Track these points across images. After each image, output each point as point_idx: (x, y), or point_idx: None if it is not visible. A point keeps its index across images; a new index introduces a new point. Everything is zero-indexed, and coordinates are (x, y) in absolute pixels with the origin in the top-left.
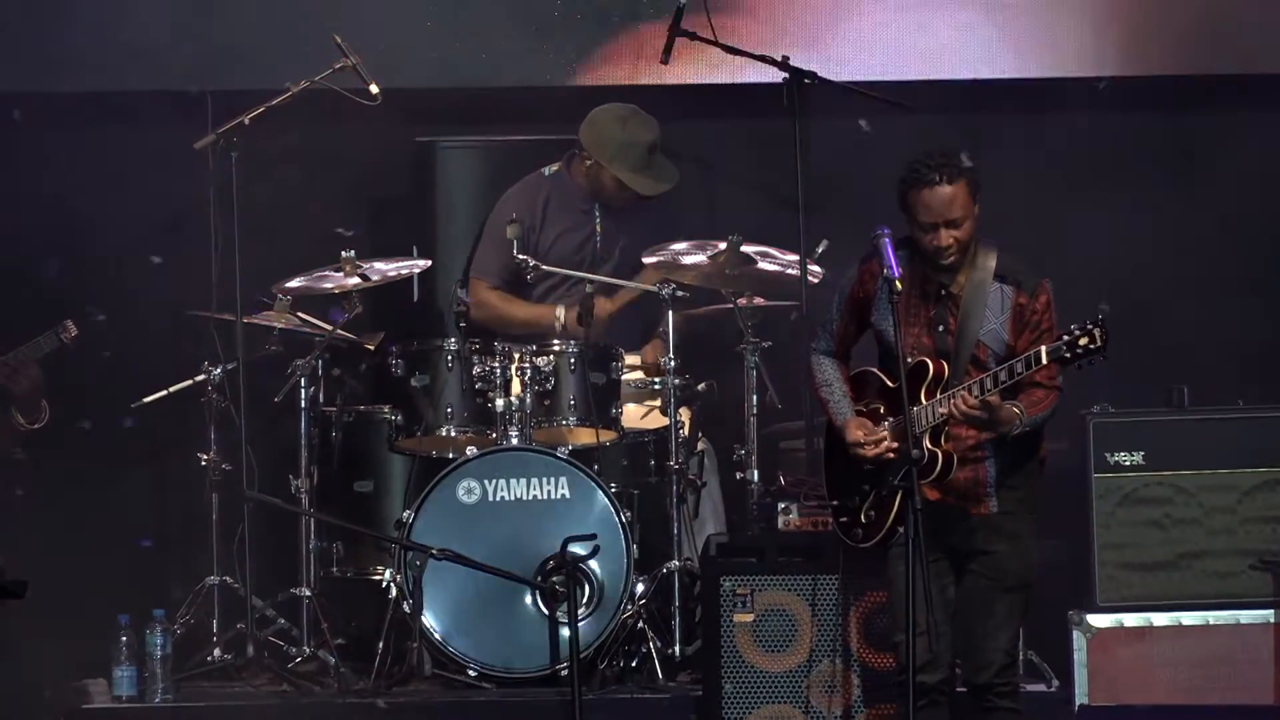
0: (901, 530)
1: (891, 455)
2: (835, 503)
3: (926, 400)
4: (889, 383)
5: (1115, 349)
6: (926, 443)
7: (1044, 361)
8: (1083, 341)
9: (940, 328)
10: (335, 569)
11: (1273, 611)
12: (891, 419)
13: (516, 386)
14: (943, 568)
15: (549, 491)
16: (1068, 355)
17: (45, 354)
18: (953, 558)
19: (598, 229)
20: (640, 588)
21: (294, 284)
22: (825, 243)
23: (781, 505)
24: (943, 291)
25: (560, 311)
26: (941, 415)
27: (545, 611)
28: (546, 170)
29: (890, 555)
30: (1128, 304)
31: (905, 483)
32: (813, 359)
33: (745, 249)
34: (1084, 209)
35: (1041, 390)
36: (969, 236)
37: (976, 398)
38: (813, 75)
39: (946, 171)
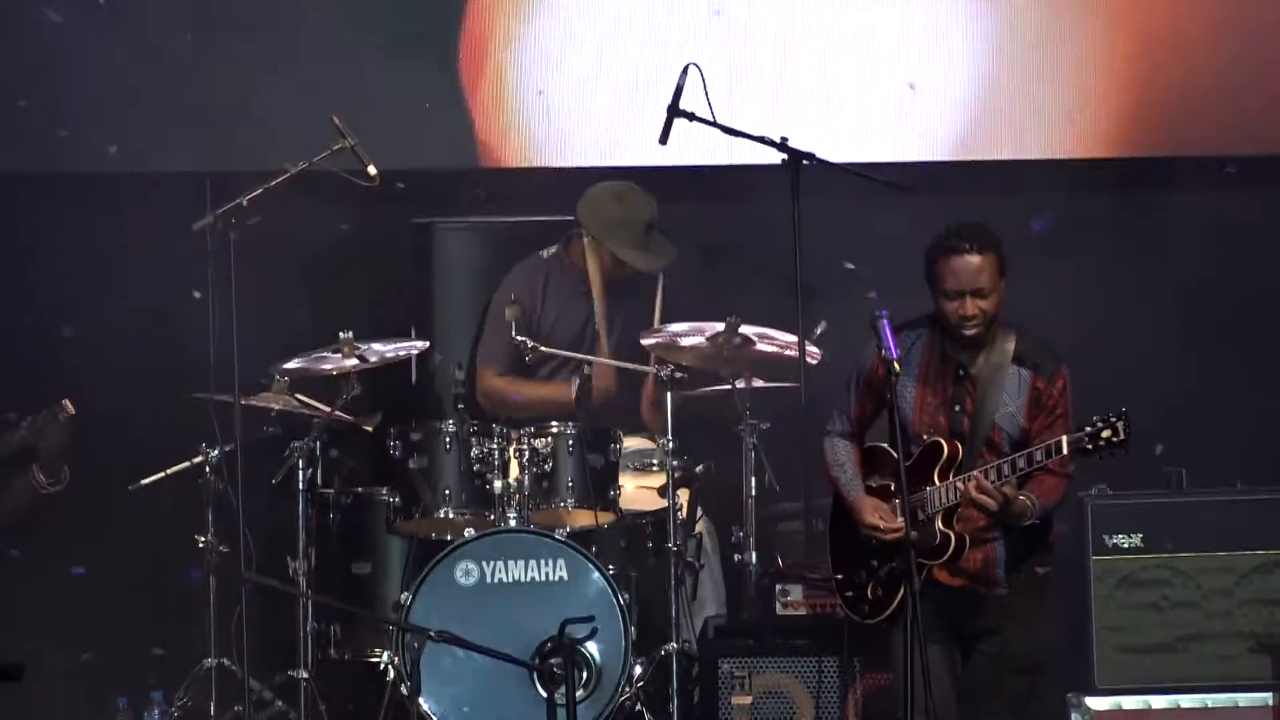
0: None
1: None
2: (840, 577)
3: (940, 482)
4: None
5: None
6: (939, 524)
7: (1064, 452)
8: (1105, 434)
9: (957, 408)
10: (333, 651)
11: (1271, 694)
12: (900, 500)
13: (515, 468)
14: (951, 649)
15: (547, 573)
16: (1089, 447)
17: (41, 431)
18: (961, 639)
19: (596, 310)
20: (638, 670)
21: (292, 365)
22: (824, 324)
23: (780, 587)
24: (960, 372)
25: (576, 381)
26: (958, 496)
27: (543, 694)
28: (545, 253)
29: (894, 635)
30: (1120, 383)
31: (903, 564)
32: (826, 441)
33: (744, 330)
34: (1073, 289)
35: (1053, 479)
36: (995, 310)
37: (993, 483)
38: (811, 156)
39: (977, 241)
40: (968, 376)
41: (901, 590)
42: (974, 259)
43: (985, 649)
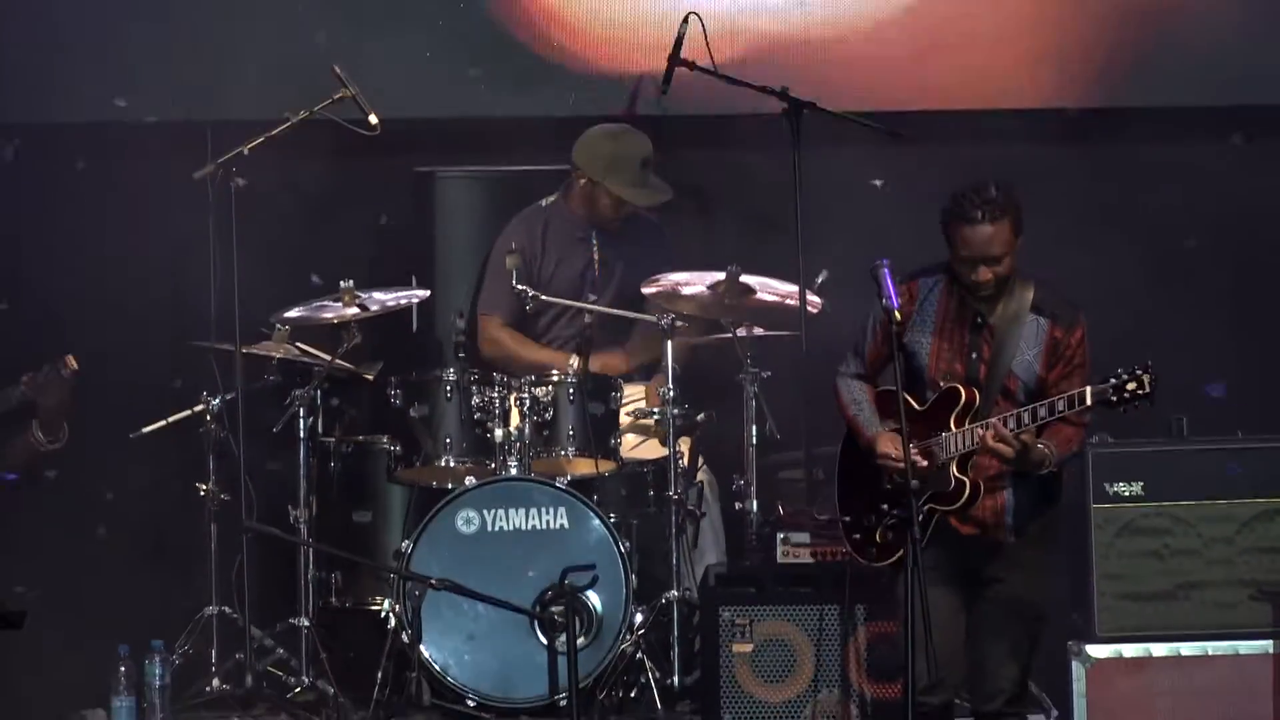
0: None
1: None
2: (848, 519)
3: (957, 427)
4: (916, 406)
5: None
6: (954, 470)
7: (1088, 403)
8: (1130, 386)
9: (974, 355)
10: (334, 599)
11: (1271, 642)
12: (916, 441)
13: (515, 417)
14: (959, 594)
15: (548, 521)
16: (1113, 399)
17: (42, 386)
18: (969, 585)
19: (595, 256)
20: (639, 618)
21: (293, 314)
22: (825, 273)
23: (781, 535)
24: (978, 320)
25: (575, 361)
26: (976, 442)
27: (544, 641)
28: (544, 201)
29: (900, 580)
30: (1121, 331)
31: (903, 511)
32: (840, 381)
33: (745, 279)
34: (1082, 242)
35: (1071, 428)
36: (1008, 272)
37: (1013, 431)
38: (812, 105)
39: (990, 210)
40: (985, 325)
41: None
42: (986, 229)
43: (992, 596)
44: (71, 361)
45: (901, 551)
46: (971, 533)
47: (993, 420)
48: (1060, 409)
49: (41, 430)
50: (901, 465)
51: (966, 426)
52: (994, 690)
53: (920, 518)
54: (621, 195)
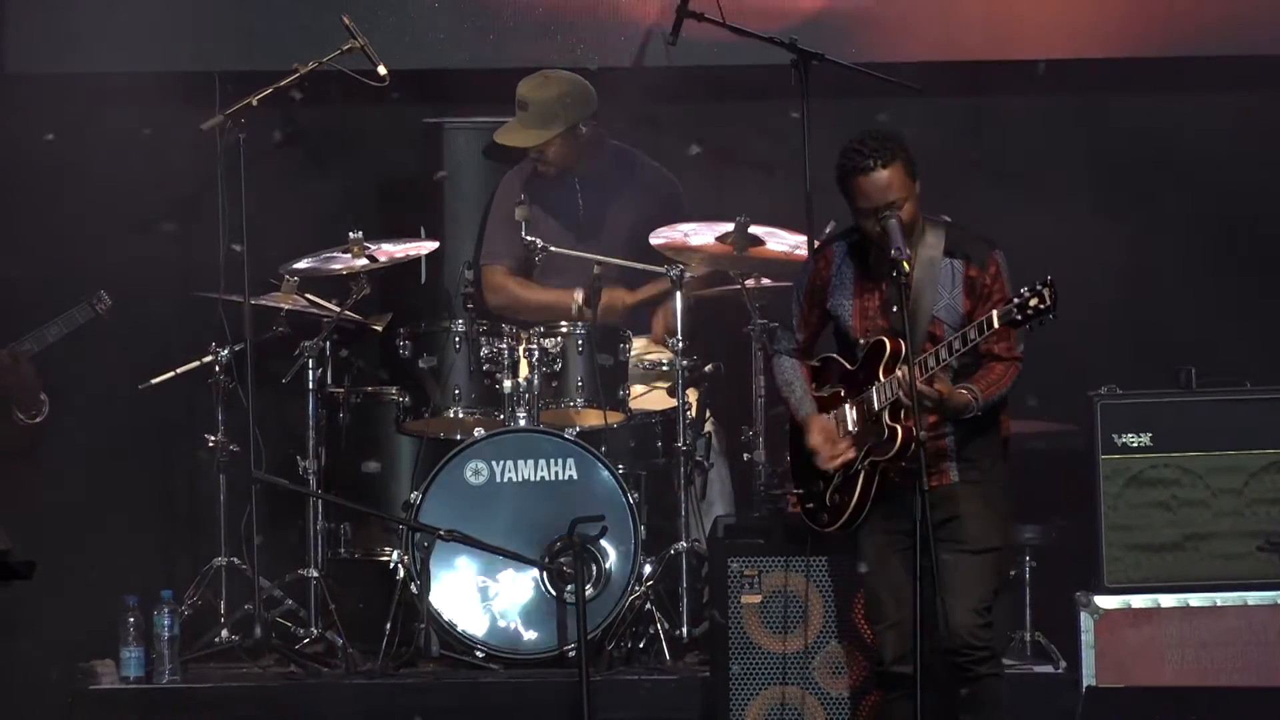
0: (867, 512)
1: (851, 455)
2: (800, 491)
3: (885, 378)
4: (848, 366)
5: (1121, 331)
6: (886, 419)
7: (995, 325)
8: (1033, 302)
9: (895, 308)
10: (343, 550)
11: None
12: (851, 402)
13: (524, 368)
14: (909, 549)
15: (556, 473)
16: (1018, 317)
17: (79, 325)
18: (918, 535)
19: (579, 201)
20: (648, 569)
21: (301, 265)
22: (833, 223)
23: (790, 486)
24: (894, 272)
25: (578, 295)
26: (899, 394)
27: (553, 592)
28: (532, 153)
29: (862, 544)
30: (1130, 285)
31: (913, 465)
32: (774, 360)
33: (753, 230)
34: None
35: (1000, 365)
36: (911, 217)
37: (933, 369)
38: (820, 56)
39: (880, 156)
40: (901, 276)
41: (856, 494)
42: (881, 174)
43: (941, 536)
44: (105, 297)
45: (849, 513)
46: (910, 481)
47: (913, 363)
48: (972, 337)
49: (19, 409)
50: (818, 456)
51: (894, 375)
52: (956, 625)
53: (864, 473)
54: (494, 137)
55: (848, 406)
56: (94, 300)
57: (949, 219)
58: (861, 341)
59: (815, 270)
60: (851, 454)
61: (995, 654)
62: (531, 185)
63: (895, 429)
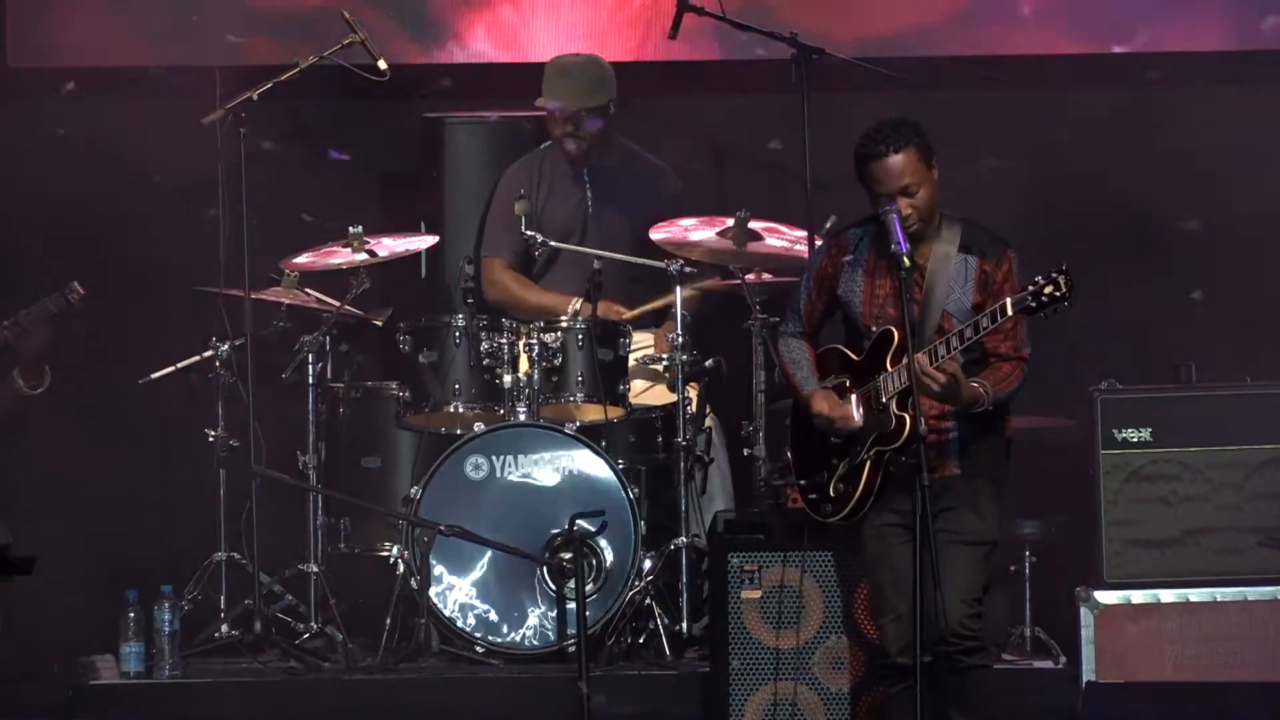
0: (870, 504)
1: (858, 425)
2: (803, 481)
3: (892, 367)
4: (853, 357)
5: (1124, 325)
6: (894, 409)
7: (1009, 313)
8: (1048, 290)
9: (906, 298)
10: (343, 545)
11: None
12: (857, 392)
13: (524, 363)
14: (908, 541)
15: (557, 468)
16: (1033, 304)
17: (53, 315)
18: (916, 528)
19: (587, 195)
20: (647, 564)
21: (301, 260)
22: (833, 218)
23: (790, 479)
24: (896, 268)
25: (576, 302)
26: (906, 383)
27: (552, 588)
28: (543, 145)
29: (864, 536)
30: (1131, 278)
31: (913, 459)
32: (780, 341)
33: (752, 225)
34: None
35: (1008, 364)
36: (928, 203)
37: (943, 358)
38: (820, 51)
39: (894, 141)
40: (915, 267)
41: (861, 484)
42: (895, 159)
43: (939, 526)
44: (78, 288)
45: (853, 503)
46: (912, 472)
47: (919, 354)
48: (985, 325)
49: (23, 377)
50: (823, 418)
51: (901, 364)
52: (948, 612)
53: (869, 463)
54: (540, 104)
55: (853, 397)
56: (66, 290)
57: (967, 216)
58: (873, 329)
59: (828, 257)
60: (858, 419)
61: (984, 646)
62: (544, 174)
63: (903, 418)
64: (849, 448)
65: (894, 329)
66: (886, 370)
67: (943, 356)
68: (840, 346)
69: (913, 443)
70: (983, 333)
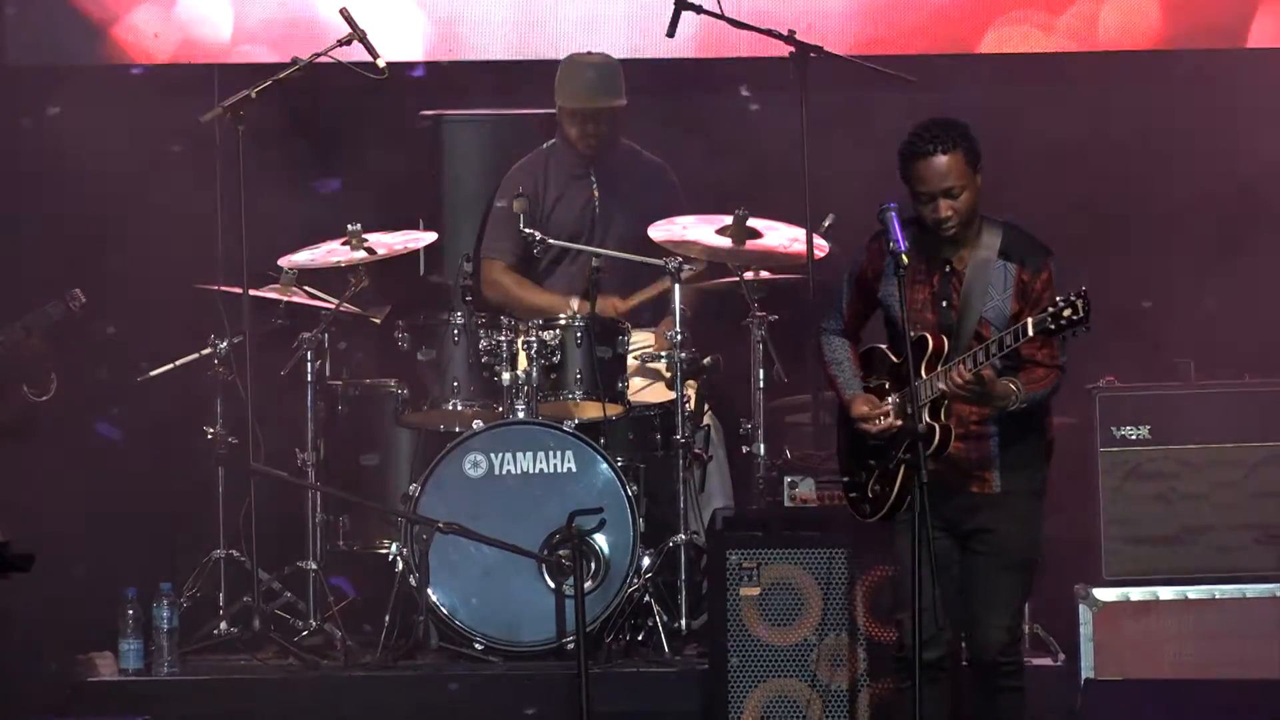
0: (907, 505)
1: (895, 429)
2: (846, 479)
3: (927, 375)
4: (894, 358)
5: (1125, 324)
6: (926, 416)
7: (1030, 333)
8: (1066, 313)
9: (944, 303)
10: (341, 542)
11: (1278, 586)
12: (896, 395)
13: (523, 360)
14: (948, 545)
15: (555, 465)
16: (1052, 327)
17: (54, 323)
18: (957, 535)
19: (595, 194)
20: (646, 561)
21: (300, 258)
22: (831, 217)
23: (789, 479)
24: (947, 268)
25: (574, 303)
26: (940, 390)
27: (551, 585)
28: (546, 144)
29: (896, 531)
30: (1129, 278)
31: (910, 457)
32: (822, 339)
33: (751, 223)
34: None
35: (1042, 369)
36: (969, 207)
37: (970, 370)
38: (818, 49)
39: (941, 142)
40: (954, 272)
41: (898, 486)
42: (940, 159)
43: (980, 547)
44: (79, 295)
45: (890, 504)
46: (956, 478)
47: (953, 362)
48: (1008, 343)
49: (29, 386)
50: (871, 428)
51: (937, 372)
52: (988, 641)
53: (904, 466)
54: (563, 104)
55: (891, 400)
56: (68, 298)
57: (1009, 221)
58: (910, 334)
59: (868, 259)
60: (896, 419)
61: (1021, 667)
62: (550, 175)
63: (934, 427)
64: (886, 450)
65: (929, 335)
66: (921, 377)
67: (973, 368)
68: (882, 347)
69: (943, 452)
70: (1006, 349)
